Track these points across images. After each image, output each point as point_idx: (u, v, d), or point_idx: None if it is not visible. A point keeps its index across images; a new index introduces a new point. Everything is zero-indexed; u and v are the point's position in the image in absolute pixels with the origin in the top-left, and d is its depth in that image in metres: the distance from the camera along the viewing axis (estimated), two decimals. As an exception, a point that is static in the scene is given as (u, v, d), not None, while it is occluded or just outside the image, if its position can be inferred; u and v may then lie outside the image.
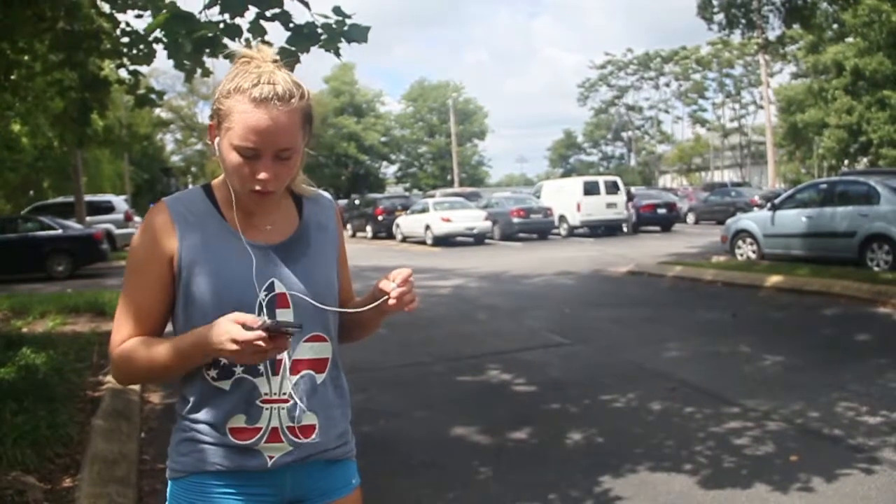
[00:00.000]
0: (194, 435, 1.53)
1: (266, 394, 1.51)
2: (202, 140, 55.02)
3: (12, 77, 7.07)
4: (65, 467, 4.04)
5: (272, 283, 1.52)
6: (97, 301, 9.85)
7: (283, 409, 1.52)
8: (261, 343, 1.32)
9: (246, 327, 1.33)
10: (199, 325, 1.46)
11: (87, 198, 22.38)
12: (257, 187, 1.47)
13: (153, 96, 6.67)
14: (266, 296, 1.51)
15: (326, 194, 1.73)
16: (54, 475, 3.90)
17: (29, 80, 7.26)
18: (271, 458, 1.52)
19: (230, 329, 1.34)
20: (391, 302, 1.51)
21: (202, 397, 1.53)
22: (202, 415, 1.53)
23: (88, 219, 20.94)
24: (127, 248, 21.90)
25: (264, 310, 1.48)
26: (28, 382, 5.18)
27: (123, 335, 1.53)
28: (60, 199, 23.27)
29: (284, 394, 1.52)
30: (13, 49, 6.58)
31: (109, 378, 5.92)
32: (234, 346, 1.33)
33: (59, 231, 16.82)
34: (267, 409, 1.51)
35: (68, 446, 4.32)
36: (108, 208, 23.17)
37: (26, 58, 6.98)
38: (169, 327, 1.59)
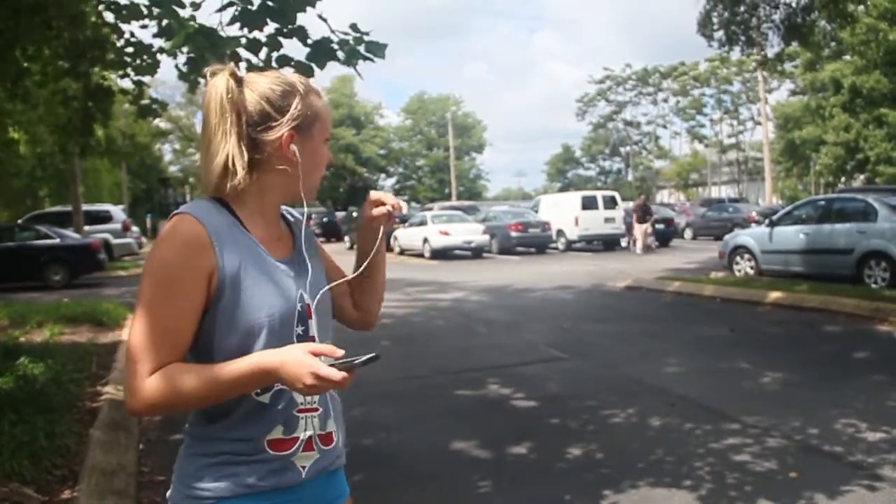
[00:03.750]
0: (228, 458, 1.47)
1: (301, 403, 1.52)
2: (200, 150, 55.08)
3: (24, 84, 7.06)
4: (63, 479, 4.01)
5: (301, 294, 1.54)
6: (95, 311, 9.82)
7: (314, 417, 1.54)
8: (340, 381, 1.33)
9: (323, 358, 1.33)
10: (243, 342, 1.43)
11: (85, 207, 22.35)
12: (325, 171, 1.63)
13: (156, 107, 6.68)
14: (301, 307, 1.52)
15: (294, 210, 1.74)
16: (52, 487, 3.88)
17: (40, 88, 7.25)
18: (303, 468, 1.52)
19: (310, 362, 1.32)
20: (375, 213, 1.62)
21: (245, 414, 1.48)
22: (242, 432, 1.47)
23: (86, 228, 20.92)
24: (124, 259, 22.10)
25: (295, 321, 1.51)
26: (26, 393, 5.16)
27: (156, 363, 1.39)
28: (58, 208, 23.26)
29: (314, 402, 1.54)
30: (23, 56, 6.58)
31: (108, 388, 5.90)
32: (314, 381, 1.32)
33: (57, 240, 16.78)
34: (303, 418, 1.52)
35: (66, 457, 4.30)
36: (105, 218, 23.16)
37: (26, 65, 6.97)
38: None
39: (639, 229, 22.66)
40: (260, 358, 1.37)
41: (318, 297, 1.57)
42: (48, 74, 7.07)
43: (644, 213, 22.78)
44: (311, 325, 1.54)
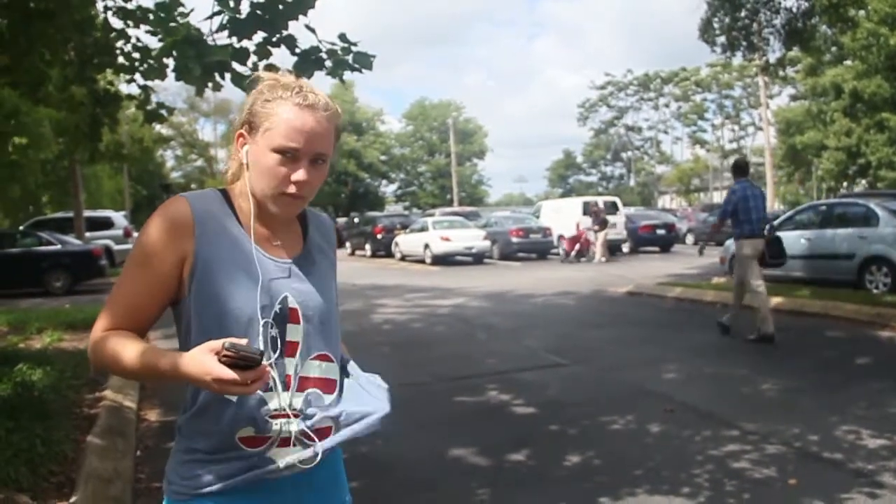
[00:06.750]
0: (199, 456, 1.50)
1: (275, 409, 1.49)
2: (203, 157, 55.21)
3: (45, 89, 7.04)
4: (59, 486, 4.00)
5: (285, 297, 1.51)
6: (96, 317, 9.79)
7: (291, 422, 1.50)
8: (235, 378, 1.28)
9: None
10: (211, 328, 1.44)
11: (87, 213, 22.35)
12: (291, 189, 1.48)
13: (162, 111, 6.67)
14: (280, 309, 1.50)
15: (325, 216, 1.74)
16: (48, 494, 3.87)
17: (62, 92, 7.21)
18: (281, 461, 1.50)
19: (207, 364, 1.30)
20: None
21: (210, 409, 1.49)
22: (214, 426, 1.48)
23: (87, 234, 20.92)
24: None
25: (260, 326, 1.47)
26: (24, 399, 5.15)
27: (108, 323, 1.52)
28: (60, 215, 23.26)
29: (293, 409, 1.50)
30: (42, 61, 6.56)
31: (106, 394, 5.90)
32: (216, 386, 1.30)
33: (58, 246, 16.80)
34: (276, 423, 1.49)
35: (63, 464, 4.29)
36: (107, 224, 23.14)
37: (38, 67, 6.95)
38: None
39: (601, 237, 22.58)
40: (174, 357, 1.38)
41: (311, 303, 1.54)
42: (66, 79, 7.06)
43: (604, 222, 22.68)
44: (291, 330, 1.51)
